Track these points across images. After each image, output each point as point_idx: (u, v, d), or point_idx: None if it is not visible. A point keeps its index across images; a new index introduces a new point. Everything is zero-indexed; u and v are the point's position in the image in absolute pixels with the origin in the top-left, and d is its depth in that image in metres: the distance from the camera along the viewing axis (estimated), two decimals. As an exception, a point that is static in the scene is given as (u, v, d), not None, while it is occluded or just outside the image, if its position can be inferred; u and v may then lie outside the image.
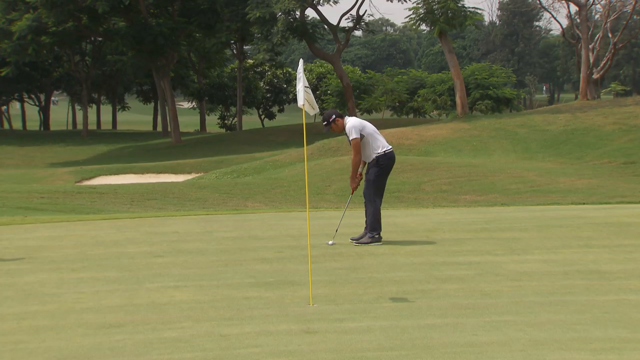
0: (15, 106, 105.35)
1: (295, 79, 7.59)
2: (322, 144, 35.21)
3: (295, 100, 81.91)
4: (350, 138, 9.14)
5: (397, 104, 71.02)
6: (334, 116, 9.40)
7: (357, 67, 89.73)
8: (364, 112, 68.41)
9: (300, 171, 27.25)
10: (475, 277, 7.91)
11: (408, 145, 35.94)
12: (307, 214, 8.13)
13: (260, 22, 51.77)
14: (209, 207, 18.31)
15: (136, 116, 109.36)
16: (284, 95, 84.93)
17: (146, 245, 9.92)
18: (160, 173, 37.71)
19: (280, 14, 50.96)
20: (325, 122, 9.36)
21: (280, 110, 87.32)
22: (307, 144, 28.39)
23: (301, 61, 7.58)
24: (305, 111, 7.46)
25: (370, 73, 75.28)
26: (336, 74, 59.74)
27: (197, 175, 35.75)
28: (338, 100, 66.27)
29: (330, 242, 9.46)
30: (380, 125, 51.60)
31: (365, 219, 9.64)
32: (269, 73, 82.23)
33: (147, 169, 39.11)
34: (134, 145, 60.24)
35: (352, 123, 9.27)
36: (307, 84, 7.41)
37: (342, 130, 9.36)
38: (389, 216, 12.02)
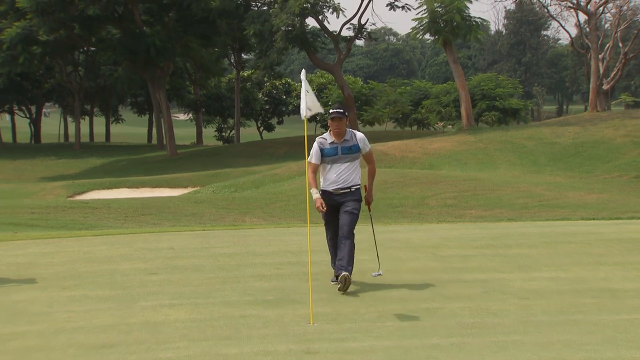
0: (5, 118, 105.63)
1: (300, 89, 7.45)
2: None
3: (295, 112, 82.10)
4: (368, 148, 8.20)
5: (400, 115, 71.26)
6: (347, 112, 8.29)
7: (358, 78, 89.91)
8: (366, 124, 68.49)
9: (300, 185, 27.14)
10: (481, 295, 7.89)
11: (412, 158, 36.01)
12: (308, 230, 8.01)
13: (258, 37, 51.81)
14: (205, 223, 18.31)
15: (130, 128, 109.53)
16: (283, 106, 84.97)
17: (140, 262, 9.90)
18: (155, 187, 37.59)
19: (281, 29, 50.83)
20: (343, 110, 8.07)
21: (280, 122, 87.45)
22: (303, 157, 27.79)
23: (303, 71, 7.59)
24: (306, 119, 7.49)
25: (372, 84, 75.48)
26: (337, 84, 59.92)
27: (193, 189, 35.77)
28: None
29: (376, 274, 8.44)
30: (383, 137, 52.54)
31: (334, 259, 8.33)
32: (268, 84, 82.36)
33: (141, 183, 39.03)
34: (128, 159, 60.25)
35: (362, 134, 8.44)
36: (309, 89, 7.47)
37: (342, 133, 8.09)
38: (391, 232, 12.01)
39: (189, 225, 17.06)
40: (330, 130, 8.24)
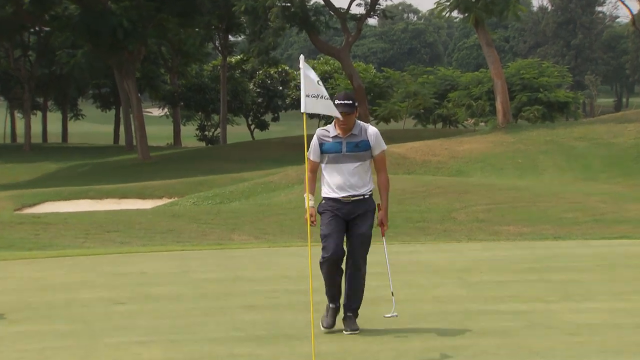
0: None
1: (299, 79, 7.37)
2: None
3: (294, 106, 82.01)
4: (381, 149, 8.02)
5: (421, 110, 71.54)
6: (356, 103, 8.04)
7: (371, 65, 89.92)
8: (380, 120, 68.57)
9: (299, 196, 26.86)
10: (521, 330, 7.91)
11: (436, 163, 36.17)
12: (309, 250, 7.85)
13: (250, 15, 51.77)
14: (184, 241, 18.38)
15: (93, 126, 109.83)
16: (279, 99, 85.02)
17: (105, 290, 9.96)
18: (122, 198, 37.95)
19: (276, 4, 50.68)
20: (352, 101, 7.87)
21: (275, 119, 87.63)
22: (301, 161, 27.97)
23: (302, 58, 7.59)
24: (305, 114, 7.48)
25: (387, 72, 75.75)
26: (345, 73, 60.20)
27: (169, 200, 36.14)
28: None
29: (390, 315, 8.13)
30: (400, 137, 52.78)
31: (340, 294, 8.15)
32: (261, 72, 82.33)
33: (106, 193, 39.35)
34: (90, 163, 60.53)
35: (375, 129, 8.18)
36: (316, 77, 7.50)
37: (349, 128, 7.92)
38: (411, 252, 12.15)
39: (165, 244, 17.22)
40: (334, 122, 8.08)
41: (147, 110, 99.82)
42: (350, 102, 7.82)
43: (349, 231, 7.96)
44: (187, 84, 79.46)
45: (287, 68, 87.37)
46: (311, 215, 7.82)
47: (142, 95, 79.39)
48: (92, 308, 9.01)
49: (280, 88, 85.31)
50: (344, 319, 7.98)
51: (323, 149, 7.96)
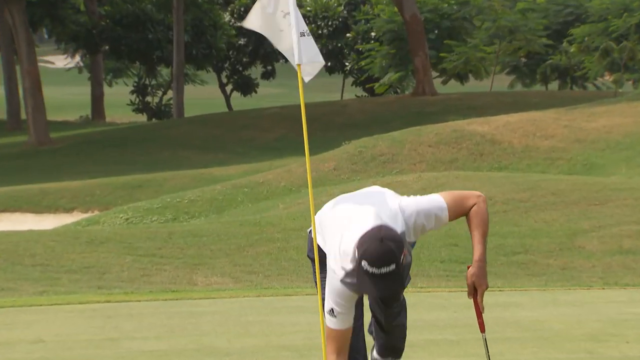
0: None
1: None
2: (357, 148, 30.40)
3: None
4: (438, 222, 6.27)
5: (522, 59, 54.13)
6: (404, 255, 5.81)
7: None
8: (452, 77, 53.17)
9: (305, 207, 23.94)
10: None
11: (547, 151, 30.09)
12: (320, 301, 6.10)
13: None
14: (111, 287, 15.74)
15: None
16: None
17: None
18: (2, 212, 32.31)
19: None
20: (395, 267, 5.76)
21: (267, 75, 63.91)
22: (315, 148, 26.87)
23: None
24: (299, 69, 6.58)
25: None
26: None
27: (84, 215, 30.96)
28: (394, 53, 50.07)
29: None
30: (487, 106, 45.40)
31: None
32: None
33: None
34: None
35: (413, 217, 5.94)
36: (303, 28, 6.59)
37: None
38: (507, 305, 10.21)
39: (78, 291, 14.58)
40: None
41: (46, 58, 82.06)
42: (393, 267, 5.51)
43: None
44: (114, 13, 56.02)
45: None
46: None
47: (37, 34, 61.72)
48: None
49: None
50: None
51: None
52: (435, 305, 10.44)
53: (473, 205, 5.99)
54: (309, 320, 9.15)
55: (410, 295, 9.57)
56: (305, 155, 6.76)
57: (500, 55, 49.38)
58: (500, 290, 12.47)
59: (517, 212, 21.87)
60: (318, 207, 6.24)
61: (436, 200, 5.83)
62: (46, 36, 68.76)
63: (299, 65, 6.42)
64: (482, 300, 5.97)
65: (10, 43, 48.23)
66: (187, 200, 29.23)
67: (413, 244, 5.98)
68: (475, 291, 5.88)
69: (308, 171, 7.03)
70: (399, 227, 5.72)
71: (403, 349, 6.43)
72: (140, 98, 62.92)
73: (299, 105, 7.01)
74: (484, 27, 49.42)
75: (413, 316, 9.72)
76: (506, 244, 19.33)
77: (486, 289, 5.94)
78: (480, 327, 6.09)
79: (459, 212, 5.99)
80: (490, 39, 48.92)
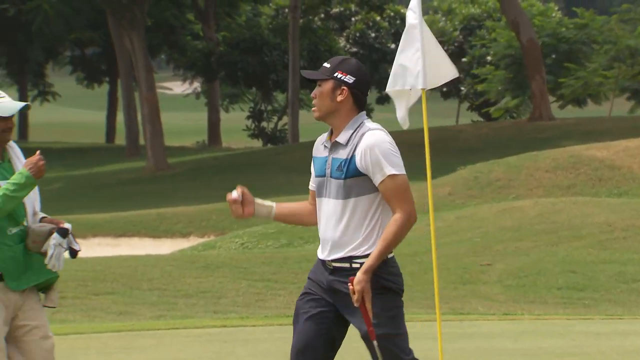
0: None
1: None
2: (473, 173, 29.83)
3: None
4: (383, 173, 5.78)
5: None
6: (348, 77, 5.70)
7: (553, 4, 60.57)
8: (570, 102, 52.14)
9: (421, 233, 22.06)
10: None
11: None
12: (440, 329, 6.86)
13: None
14: (227, 312, 15.84)
15: (71, 113, 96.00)
16: (389, 65, 56.92)
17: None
18: (120, 237, 32.76)
19: None
20: (330, 65, 5.74)
21: (382, 100, 63.28)
22: (430, 175, 25.45)
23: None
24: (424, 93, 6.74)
25: (583, 15, 52.82)
26: (505, 18, 46.23)
27: (201, 240, 31.09)
28: (511, 78, 50.06)
29: None
30: (606, 131, 42.41)
31: None
32: (358, 19, 60.80)
33: (93, 227, 33.15)
34: (65, 177, 50.26)
35: (381, 135, 5.78)
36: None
37: (322, 115, 6.13)
38: (626, 334, 9.87)
39: (193, 315, 14.88)
40: None
41: (165, 84, 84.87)
42: (328, 65, 5.68)
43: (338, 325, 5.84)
44: (232, 39, 56.38)
45: (402, 11, 57.84)
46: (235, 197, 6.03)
47: (156, 60, 62.30)
48: None
49: (392, 46, 58.20)
50: None
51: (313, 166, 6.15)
52: (553, 333, 10.27)
53: (400, 215, 5.56)
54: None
55: (527, 323, 9.60)
56: (425, 179, 6.59)
57: (620, 80, 48.16)
58: (620, 319, 12.23)
59: (637, 238, 21.32)
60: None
61: (387, 167, 5.44)
62: (165, 62, 68.38)
63: (423, 90, 6.39)
64: (355, 298, 5.46)
65: (130, 70, 48.83)
66: (301, 225, 28.94)
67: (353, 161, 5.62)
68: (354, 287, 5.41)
69: (430, 196, 6.81)
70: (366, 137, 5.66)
71: None
72: (256, 123, 63.97)
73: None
74: (603, 50, 48.66)
75: (530, 344, 9.32)
76: (626, 271, 18.90)
77: (361, 290, 5.45)
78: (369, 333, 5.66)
79: (389, 197, 5.60)
80: (609, 63, 47.97)
